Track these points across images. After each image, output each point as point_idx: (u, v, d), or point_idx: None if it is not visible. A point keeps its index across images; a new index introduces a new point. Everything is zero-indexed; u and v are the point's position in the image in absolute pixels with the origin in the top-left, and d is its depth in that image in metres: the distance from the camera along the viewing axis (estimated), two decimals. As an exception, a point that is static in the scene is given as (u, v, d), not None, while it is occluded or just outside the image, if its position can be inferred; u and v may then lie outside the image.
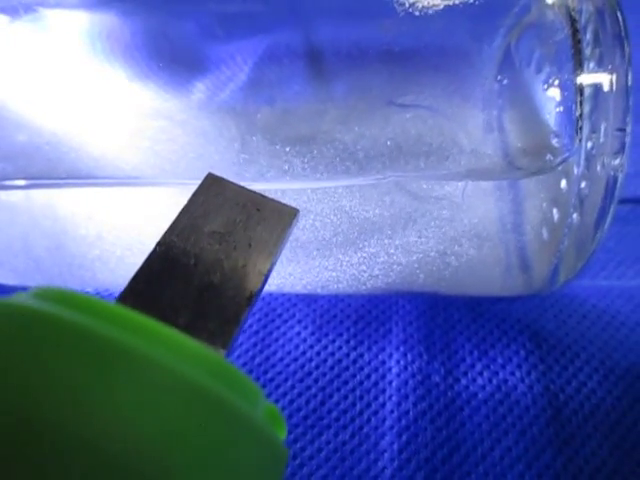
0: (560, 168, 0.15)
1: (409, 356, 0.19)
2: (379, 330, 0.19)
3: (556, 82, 0.15)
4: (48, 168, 0.16)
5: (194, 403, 0.09)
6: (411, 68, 0.16)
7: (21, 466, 0.07)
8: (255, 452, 0.09)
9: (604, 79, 0.14)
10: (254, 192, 0.12)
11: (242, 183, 0.12)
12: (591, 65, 0.14)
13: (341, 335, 0.19)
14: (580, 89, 0.14)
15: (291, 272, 0.18)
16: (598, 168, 0.15)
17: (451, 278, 0.18)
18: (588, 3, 0.14)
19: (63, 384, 0.08)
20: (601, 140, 0.14)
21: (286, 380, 0.18)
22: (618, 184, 0.15)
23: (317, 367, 0.18)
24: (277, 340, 0.19)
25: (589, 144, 0.14)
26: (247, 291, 0.11)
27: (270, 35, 0.17)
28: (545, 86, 0.15)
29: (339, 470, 0.16)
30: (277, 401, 0.18)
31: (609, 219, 0.15)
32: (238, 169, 0.15)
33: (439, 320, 0.19)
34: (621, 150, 0.14)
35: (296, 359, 0.19)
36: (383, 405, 0.18)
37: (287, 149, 0.15)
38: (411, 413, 0.17)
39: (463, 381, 0.18)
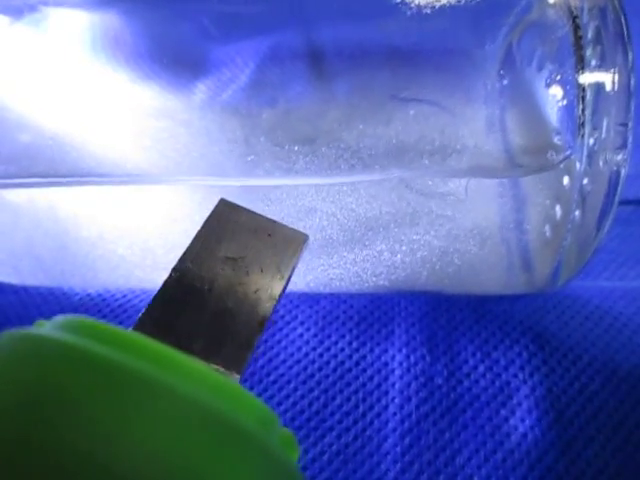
0: (562, 165, 0.15)
1: (412, 358, 0.18)
2: (382, 332, 0.19)
3: (558, 80, 0.15)
4: (51, 168, 0.16)
5: (212, 430, 0.09)
6: (413, 67, 0.16)
7: None
8: (271, 479, 0.10)
9: (606, 76, 0.14)
10: (265, 217, 0.13)
11: (247, 183, 0.12)
12: (593, 62, 0.14)
13: (344, 337, 0.19)
14: (582, 86, 0.14)
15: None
16: (600, 164, 0.15)
17: (454, 276, 0.18)
18: (590, 1, 0.14)
19: (88, 416, 0.08)
20: (603, 136, 0.14)
21: (289, 382, 0.18)
22: (621, 180, 0.15)
23: (320, 369, 0.18)
24: (279, 342, 0.19)
25: (591, 140, 0.15)
26: (259, 316, 0.11)
27: (272, 36, 0.17)
28: (547, 84, 0.15)
29: (342, 473, 0.16)
30: (280, 404, 0.18)
31: (611, 215, 0.15)
32: (242, 168, 0.16)
33: (442, 321, 0.19)
34: (624, 145, 0.14)
35: (299, 361, 0.19)
36: (386, 407, 0.17)
37: (291, 149, 0.16)
38: (414, 415, 0.17)
39: (466, 383, 0.18)
